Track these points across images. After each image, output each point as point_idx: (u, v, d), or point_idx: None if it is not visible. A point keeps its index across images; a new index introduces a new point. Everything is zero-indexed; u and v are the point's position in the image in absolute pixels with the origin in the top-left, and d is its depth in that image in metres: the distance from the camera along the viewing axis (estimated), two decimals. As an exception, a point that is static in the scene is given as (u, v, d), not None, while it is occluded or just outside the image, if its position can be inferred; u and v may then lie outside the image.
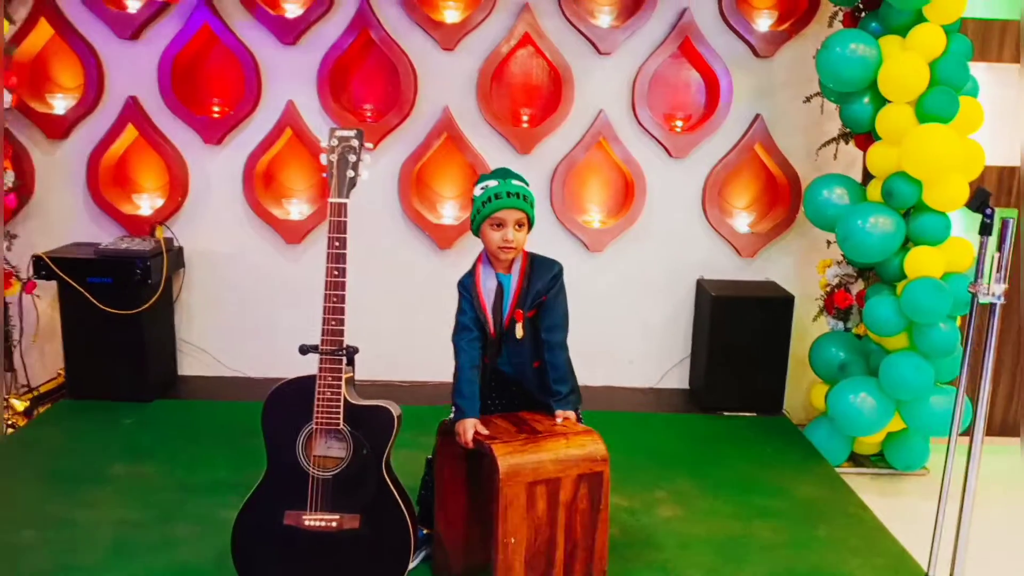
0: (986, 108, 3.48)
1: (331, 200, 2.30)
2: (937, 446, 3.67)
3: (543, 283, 2.55)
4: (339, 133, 2.34)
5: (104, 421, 3.71)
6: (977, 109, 3.38)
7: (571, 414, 2.53)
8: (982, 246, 2.08)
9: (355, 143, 2.33)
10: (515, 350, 2.58)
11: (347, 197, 2.31)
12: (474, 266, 2.60)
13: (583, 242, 4.24)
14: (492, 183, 2.51)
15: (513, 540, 2.30)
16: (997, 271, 1.98)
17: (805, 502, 3.25)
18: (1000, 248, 1.98)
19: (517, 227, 2.49)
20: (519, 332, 2.53)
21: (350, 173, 2.31)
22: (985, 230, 2.05)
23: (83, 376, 3.90)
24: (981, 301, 2.05)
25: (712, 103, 4.20)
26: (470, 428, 2.42)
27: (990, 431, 4.30)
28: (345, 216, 2.30)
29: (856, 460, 3.86)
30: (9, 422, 3.77)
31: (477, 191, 2.53)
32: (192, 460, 3.38)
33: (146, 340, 3.87)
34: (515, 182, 2.52)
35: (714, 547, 2.89)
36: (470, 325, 2.56)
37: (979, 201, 2.06)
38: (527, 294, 2.55)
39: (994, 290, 1.99)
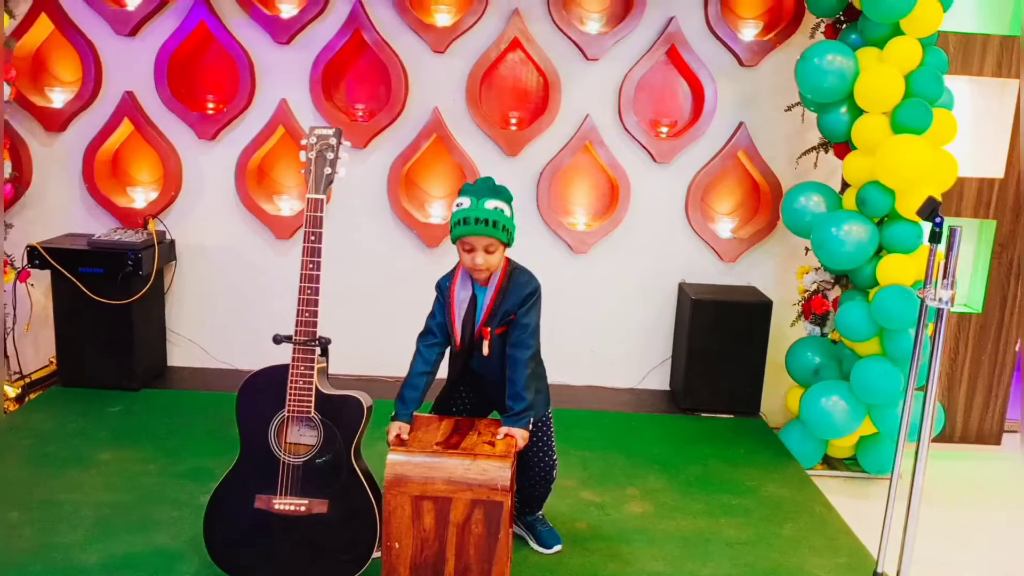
0: (967, 121, 3.54)
1: (308, 196, 2.38)
2: (910, 451, 3.75)
3: (513, 303, 2.51)
4: (318, 131, 2.43)
5: (92, 408, 3.80)
6: (951, 121, 3.45)
7: (519, 432, 2.49)
8: (931, 253, 2.15)
9: (333, 141, 2.41)
10: (486, 363, 2.58)
11: (324, 193, 2.39)
12: (454, 269, 2.61)
13: (567, 244, 4.32)
14: (466, 203, 2.44)
15: (398, 545, 2.33)
16: (944, 278, 2.05)
17: (772, 501, 3.32)
18: (947, 256, 2.06)
19: (488, 251, 2.44)
20: (485, 350, 2.52)
21: (327, 170, 2.39)
22: (934, 238, 2.13)
23: (74, 364, 3.99)
24: (929, 306, 2.13)
25: (697, 110, 4.28)
26: (394, 430, 2.47)
27: (966, 439, 4.38)
28: (321, 211, 2.38)
29: (830, 463, 3.93)
30: (1, 407, 3.86)
31: (454, 206, 2.48)
32: (176, 447, 3.47)
33: (136, 330, 3.96)
34: (489, 204, 2.42)
35: (679, 542, 2.96)
36: (435, 330, 2.58)
37: (929, 210, 2.13)
38: (497, 311, 2.52)
39: (941, 295, 2.06)
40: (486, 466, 2.35)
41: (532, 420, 2.58)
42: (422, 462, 2.35)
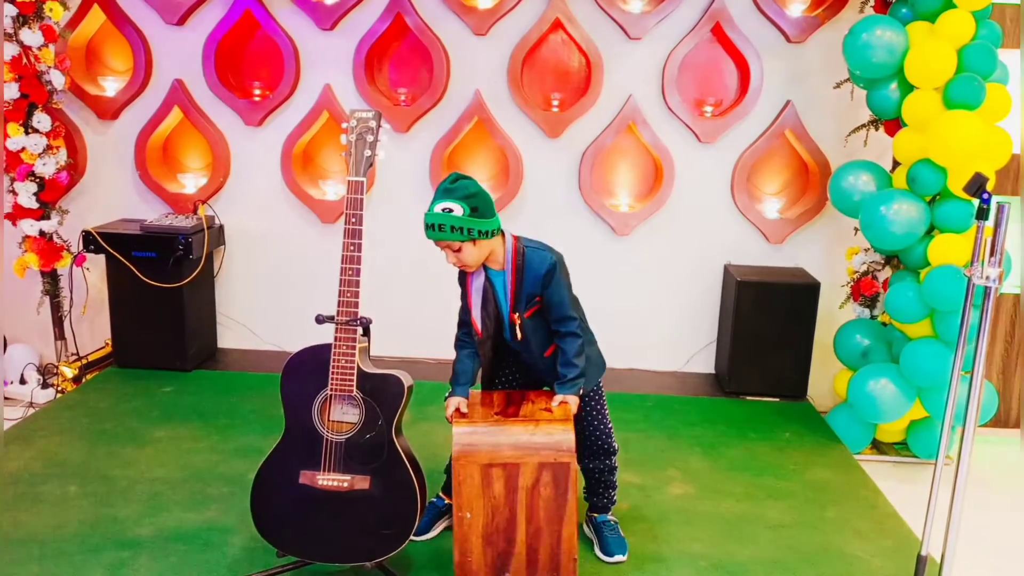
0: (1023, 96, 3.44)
1: (348, 178, 2.40)
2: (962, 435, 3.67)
3: (533, 286, 2.49)
4: (358, 114, 2.45)
5: (146, 388, 3.92)
6: (1005, 97, 3.34)
7: (572, 398, 2.52)
8: (979, 231, 2.10)
9: (373, 124, 2.43)
10: (522, 347, 2.58)
11: (364, 175, 2.41)
12: None
13: (610, 225, 4.30)
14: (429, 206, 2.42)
15: (468, 515, 2.39)
16: (992, 255, 2.00)
17: (817, 485, 3.28)
18: (996, 232, 2.00)
19: (453, 250, 2.42)
20: (517, 334, 2.52)
21: (367, 153, 2.41)
22: (982, 215, 2.07)
23: (128, 345, 4.11)
24: (976, 284, 2.07)
25: (743, 89, 4.22)
26: (452, 405, 2.51)
27: (1021, 424, 4.26)
28: (362, 194, 2.41)
29: (879, 448, 3.87)
30: (60, 387, 4.00)
31: None
32: (226, 426, 3.56)
33: (187, 313, 4.06)
34: (438, 207, 2.38)
35: (720, 524, 2.95)
36: (466, 320, 2.59)
37: (976, 186, 2.07)
38: (520, 296, 2.50)
39: (988, 273, 2.01)
40: (550, 429, 2.41)
41: (583, 389, 2.57)
42: (487, 431, 2.41)
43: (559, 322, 2.54)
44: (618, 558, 2.71)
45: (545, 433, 2.41)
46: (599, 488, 2.79)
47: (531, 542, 2.42)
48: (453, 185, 2.42)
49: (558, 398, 2.53)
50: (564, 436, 2.41)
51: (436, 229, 2.40)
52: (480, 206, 2.41)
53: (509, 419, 2.45)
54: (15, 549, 2.63)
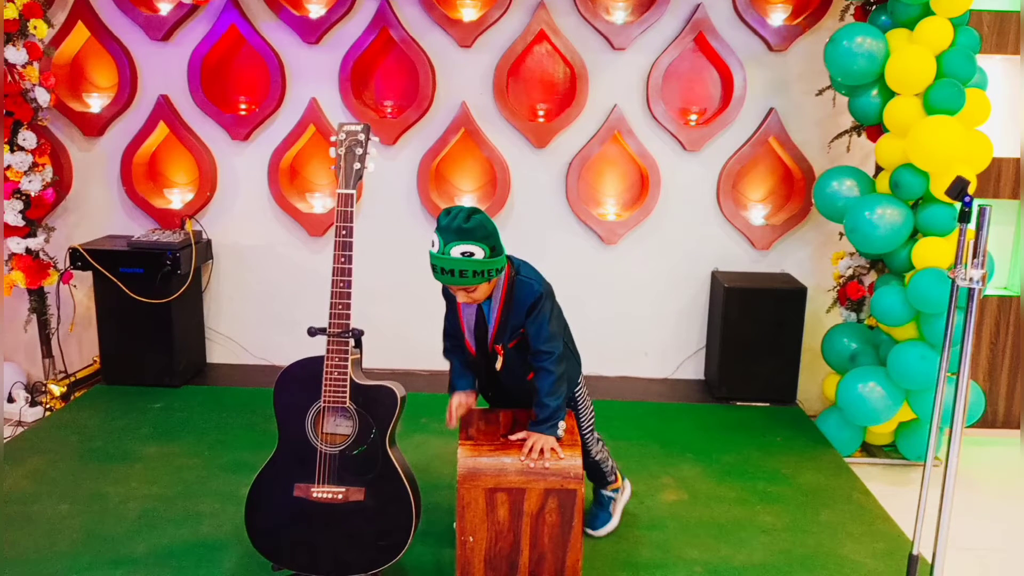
0: (1003, 101, 3.48)
1: (338, 191, 2.41)
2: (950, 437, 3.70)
3: (519, 318, 2.44)
4: (347, 127, 2.46)
5: (135, 405, 3.89)
6: (984, 101, 3.39)
7: (541, 439, 2.41)
8: (961, 233, 2.13)
9: (361, 136, 2.44)
10: (505, 372, 2.56)
11: (354, 188, 2.42)
12: None
13: (598, 235, 4.33)
14: (436, 244, 2.30)
15: (471, 539, 2.37)
16: (975, 257, 2.03)
17: (809, 489, 3.30)
18: (978, 235, 2.03)
19: (466, 291, 2.37)
20: (498, 364, 2.51)
21: (356, 165, 2.43)
22: (963, 218, 2.10)
23: (116, 362, 4.09)
24: (960, 286, 2.11)
25: (726, 97, 4.26)
26: (454, 401, 2.52)
27: (1009, 424, 4.30)
28: (352, 206, 2.42)
29: (868, 450, 3.89)
30: (48, 405, 3.97)
31: (430, 242, 2.34)
32: (217, 442, 3.55)
33: (175, 328, 4.04)
34: (455, 250, 2.25)
35: (714, 530, 2.96)
36: (452, 333, 2.58)
37: (958, 189, 2.11)
38: (506, 326, 2.47)
39: (971, 275, 2.04)
40: (559, 455, 2.39)
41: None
42: (494, 454, 2.39)
43: (535, 355, 2.48)
44: (601, 531, 2.83)
45: (552, 459, 2.38)
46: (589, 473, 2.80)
47: (535, 568, 2.40)
48: (470, 225, 2.26)
49: (522, 434, 2.45)
50: (572, 462, 2.38)
51: (456, 275, 2.28)
52: (497, 244, 2.33)
53: (516, 444, 2.43)
54: (7, 570, 2.61)
